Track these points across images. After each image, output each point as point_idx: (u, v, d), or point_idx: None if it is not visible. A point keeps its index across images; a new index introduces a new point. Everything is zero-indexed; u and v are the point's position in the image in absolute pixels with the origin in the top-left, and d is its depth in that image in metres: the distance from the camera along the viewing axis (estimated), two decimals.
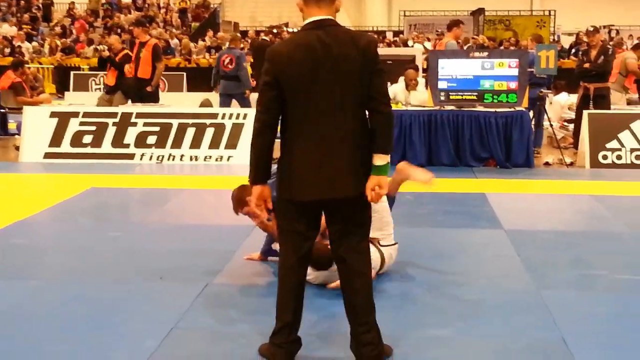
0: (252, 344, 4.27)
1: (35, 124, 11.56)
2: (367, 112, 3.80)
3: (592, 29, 12.24)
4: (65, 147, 11.33)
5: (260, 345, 4.12)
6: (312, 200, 3.80)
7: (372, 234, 5.43)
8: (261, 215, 4.03)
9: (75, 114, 11.55)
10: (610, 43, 14.59)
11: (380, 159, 3.78)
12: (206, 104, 14.54)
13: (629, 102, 13.58)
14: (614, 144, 10.86)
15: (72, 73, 21.76)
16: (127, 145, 11.30)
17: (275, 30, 28.32)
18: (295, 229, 3.89)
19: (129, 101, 12.61)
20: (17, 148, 12.19)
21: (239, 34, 18.57)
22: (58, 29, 28.79)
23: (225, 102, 14.12)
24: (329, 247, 4.53)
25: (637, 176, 10.14)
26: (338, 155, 3.74)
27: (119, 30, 27.39)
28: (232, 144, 11.20)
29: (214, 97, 16.66)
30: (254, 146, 3.84)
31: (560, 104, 13.49)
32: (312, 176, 3.76)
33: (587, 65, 11.93)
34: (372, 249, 5.33)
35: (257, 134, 3.80)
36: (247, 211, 5.44)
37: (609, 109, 11.77)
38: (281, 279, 3.99)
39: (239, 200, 5.46)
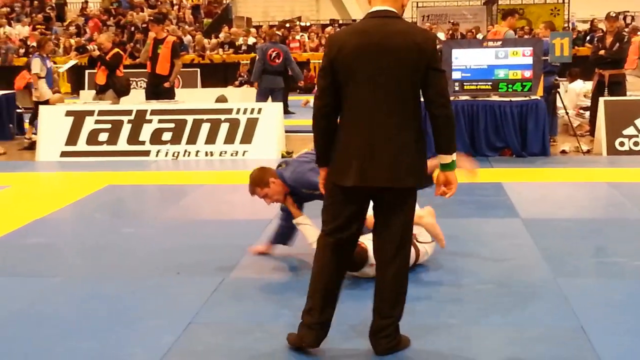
0: (269, 338, 4.28)
1: (51, 123, 11.64)
2: (425, 108, 3.81)
3: (613, 14, 12.10)
4: (81, 145, 11.40)
5: (288, 335, 4.10)
6: (355, 186, 3.79)
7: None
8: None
9: (90, 113, 11.61)
10: (626, 29, 14.47)
11: (444, 159, 3.83)
12: (222, 99, 14.54)
13: None
14: (630, 130, 10.78)
15: (86, 72, 21.82)
16: (143, 142, 11.34)
17: (287, 25, 28.34)
18: (341, 212, 3.88)
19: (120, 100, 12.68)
20: (30, 145, 12.29)
21: (274, 29, 18.49)
22: (72, 29, 28.89)
23: (263, 97, 14.04)
24: (362, 246, 4.60)
25: None
26: (385, 145, 3.73)
27: (132, 29, 27.50)
28: (247, 139, 11.21)
29: (229, 92, 16.71)
30: (314, 132, 3.92)
31: (576, 92, 13.41)
32: (358, 163, 3.75)
33: (602, 52, 11.85)
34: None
35: (315, 121, 3.88)
36: (265, 193, 5.40)
37: (625, 95, 11.69)
38: (317, 259, 3.98)
39: (260, 180, 5.40)
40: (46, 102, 12.56)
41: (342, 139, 3.83)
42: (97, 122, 11.51)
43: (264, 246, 5.91)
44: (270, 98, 14.07)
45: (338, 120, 3.87)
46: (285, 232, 5.77)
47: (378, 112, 3.72)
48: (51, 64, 13.40)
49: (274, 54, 14.29)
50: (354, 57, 3.71)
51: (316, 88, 3.87)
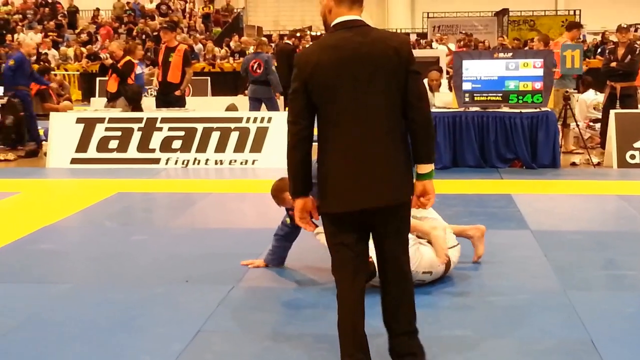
0: (278, 347, 4.28)
1: (61, 130, 11.67)
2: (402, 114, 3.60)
3: (624, 26, 12.07)
4: (92, 152, 11.43)
5: None
6: (349, 211, 3.59)
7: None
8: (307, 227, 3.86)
9: (101, 120, 11.64)
10: (638, 42, 14.42)
11: (423, 168, 3.65)
12: (232, 108, 14.60)
13: None
14: None
15: (97, 79, 21.90)
16: (153, 150, 11.37)
17: (298, 34, 28.37)
18: (343, 241, 3.65)
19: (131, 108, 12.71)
20: (32, 152, 12.36)
21: (264, 39, 18.65)
22: (84, 36, 29.02)
23: (254, 106, 14.24)
24: (370, 259, 4.47)
25: None
26: (373, 161, 3.53)
27: (143, 37, 27.60)
28: (256, 148, 11.22)
29: (239, 101, 16.74)
30: (289, 160, 3.65)
31: (586, 103, 13.38)
32: (348, 186, 3.54)
33: (614, 64, 11.82)
34: (430, 253, 5.32)
35: (291, 147, 3.62)
36: (288, 198, 5.34)
37: (636, 108, 11.66)
38: (339, 297, 3.70)
39: (280, 187, 5.41)
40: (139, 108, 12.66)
41: (327, 163, 3.59)
42: (107, 129, 11.54)
43: (259, 262, 5.85)
44: (264, 107, 14.23)
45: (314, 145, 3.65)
46: (279, 254, 5.78)
47: (364, 128, 3.52)
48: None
49: (255, 65, 14.40)
50: (331, 74, 3.50)
51: (288, 113, 3.65)
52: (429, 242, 5.39)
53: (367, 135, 3.53)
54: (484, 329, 4.55)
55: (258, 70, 14.36)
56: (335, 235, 3.68)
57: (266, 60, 14.45)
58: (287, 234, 5.70)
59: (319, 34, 30.87)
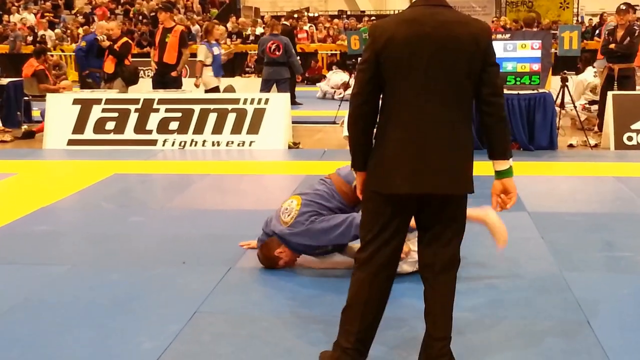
0: (275, 327, 4.29)
1: (58, 111, 11.63)
2: (476, 107, 3.47)
3: (624, 7, 12.02)
4: (88, 133, 11.40)
5: (321, 353, 3.80)
6: (404, 193, 3.39)
7: None
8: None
9: (97, 101, 11.61)
10: (638, 23, 14.37)
11: (501, 165, 3.52)
12: (229, 89, 14.56)
13: None
14: (639, 125, 10.74)
15: None
16: (150, 132, 11.34)
17: (296, 15, 28.29)
18: (382, 226, 3.46)
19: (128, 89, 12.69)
20: (28, 133, 12.35)
21: (277, 20, 18.61)
22: (80, 17, 28.89)
23: (267, 87, 14.20)
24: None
25: None
26: (436, 147, 3.36)
27: (140, 17, 27.49)
28: (254, 129, 11.20)
29: (236, 82, 16.71)
30: (350, 133, 3.51)
31: (583, 85, 13.36)
32: (406, 168, 3.36)
33: (612, 45, 11.80)
34: None
35: (353, 120, 3.48)
36: (283, 263, 5.33)
37: (634, 89, 11.65)
38: (355, 282, 3.55)
39: (271, 260, 5.33)
40: (214, 90, 12.58)
41: (386, 140, 3.41)
42: (104, 110, 11.50)
43: (254, 243, 5.73)
44: (275, 89, 14.21)
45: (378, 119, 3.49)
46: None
47: (431, 110, 3.35)
48: (219, 50, 13.32)
49: (273, 46, 14.38)
50: (405, 49, 3.32)
51: (354, 84, 3.50)
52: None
53: (433, 119, 3.36)
54: (482, 311, 4.56)
55: (277, 52, 14.37)
56: (377, 218, 3.47)
57: (285, 43, 14.48)
58: None
59: (316, 15, 30.80)
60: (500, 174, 3.54)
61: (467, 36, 3.35)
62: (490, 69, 3.40)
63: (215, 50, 13.00)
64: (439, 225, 3.50)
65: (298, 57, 17.84)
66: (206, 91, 12.51)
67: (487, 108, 3.43)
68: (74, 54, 24.05)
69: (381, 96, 3.44)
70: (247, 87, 15.54)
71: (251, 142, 11.13)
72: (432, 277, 3.56)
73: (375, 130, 3.49)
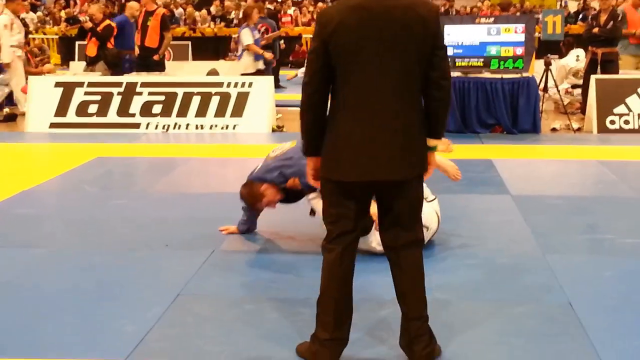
0: (259, 310, 4.28)
1: (40, 94, 11.56)
2: (423, 91, 3.44)
3: None
4: (71, 116, 11.34)
5: (298, 345, 3.77)
6: (357, 181, 3.42)
7: None
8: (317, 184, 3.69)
9: (80, 84, 11.54)
10: (619, 8, 14.41)
11: (431, 142, 3.51)
12: (213, 73, 14.50)
13: None
14: (621, 108, 10.80)
15: (76, 43, 21.65)
16: (133, 115, 11.30)
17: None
18: (341, 212, 3.48)
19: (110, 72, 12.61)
20: (10, 116, 12.26)
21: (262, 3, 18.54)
22: (62, 0, 28.65)
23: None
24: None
25: None
26: (389, 133, 3.35)
27: (122, 0, 27.26)
28: (237, 113, 11.18)
29: (220, 65, 16.64)
30: (302, 121, 3.48)
31: (566, 69, 13.39)
32: (359, 155, 3.36)
33: (596, 30, 11.83)
34: (430, 208, 5.30)
35: (304, 109, 3.45)
36: (266, 202, 5.38)
37: (617, 73, 11.69)
38: (325, 270, 3.56)
39: (254, 196, 5.38)
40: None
41: (337, 127, 3.40)
42: (86, 93, 11.44)
43: (234, 228, 5.82)
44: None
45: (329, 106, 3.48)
46: (251, 221, 5.77)
47: (381, 96, 3.34)
48: (259, 34, 13.18)
49: (262, 29, 14.31)
50: (353, 36, 3.29)
51: (305, 72, 3.45)
52: None
53: (383, 105, 3.35)
54: (464, 293, 4.58)
55: (266, 35, 14.32)
56: (335, 206, 3.51)
57: (274, 26, 14.44)
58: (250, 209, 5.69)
59: None
60: (428, 149, 3.54)
61: (415, 20, 3.32)
62: (439, 52, 3.39)
63: (256, 34, 12.91)
64: (396, 208, 3.52)
65: (282, 41, 17.81)
66: (244, 74, 12.35)
67: (437, 92, 3.42)
68: (56, 37, 23.93)
69: (332, 83, 3.43)
70: (231, 70, 15.46)
71: (235, 126, 11.10)
72: (397, 258, 3.57)
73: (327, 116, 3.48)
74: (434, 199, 5.50)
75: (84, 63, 13.77)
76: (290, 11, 26.13)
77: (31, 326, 4.13)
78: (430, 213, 5.24)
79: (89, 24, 12.69)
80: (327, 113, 3.47)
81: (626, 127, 10.72)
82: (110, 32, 12.88)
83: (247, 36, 12.64)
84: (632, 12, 12.40)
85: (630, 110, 10.77)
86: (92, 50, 12.81)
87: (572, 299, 4.42)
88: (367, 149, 3.37)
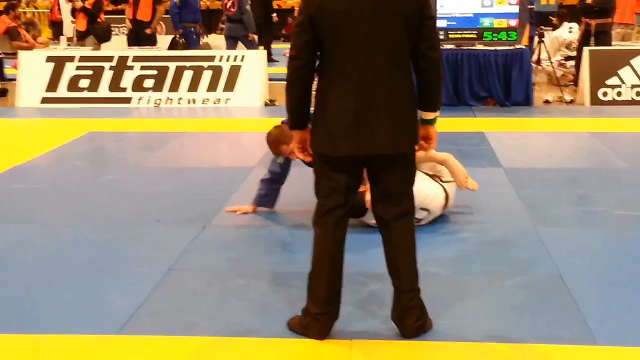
0: (250, 285, 4.29)
1: (31, 68, 11.51)
2: (414, 63, 3.42)
3: None
4: (62, 91, 11.30)
5: (289, 319, 3.77)
6: (347, 155, 3.41)
7: (432, 171, 5.41)
8: (306, 157, 3.66)
9: (71, 59, 11.48)
10: None
11: (428, 115, 3.49)
12: (205, 47, 14.43)
13: None
14: (614, 80, 10.79)
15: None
16: (124, 89, 11.25)
17: None
18: (332, 186, 3.47)
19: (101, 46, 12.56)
20: (1, 91, 12.19)
21: None
22: None
23: (231, 45, 14.08)
24: (365, 196, 4.39)
25: (637, 112, 10.10)
26: (379, 106, 3.33)
27: None
28: (229, 87, 11.14)
29: (212, 39, 16.55)
30: (287, 95, 3.46)
31: (559, 41, 13.35)
32: (349, 129, 3.34)
33: (589, 1, 11.78)
34: (435, 185, 5.30)
35: (290, 83, 3.42)
36: (288, 150, 5.22)
37: (610, 45, 11.66)
38: (315, 244, 3.56)
39: (283, 136, 5.21)
40: None
41: (327, 102, 3.37)
42: (78, 68, 11.40)
43: (248, 207, 5.67)
44: (238, 45, 14.10)
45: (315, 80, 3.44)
46: (272, 194, 5.62)
47: (370, 69, 3.31)
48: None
49: (229, 3, 14.23)
50: (341, 8, 3.27)
51: (291, 46, 3.42)
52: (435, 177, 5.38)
53: (372, 79, 3.33)
54: (456, 266, 4.58)
55: (232, 9, 14.22)
56: (326, 180, 3.50)
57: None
58: (278, 178, 5.56)
59: None
60: (425, 122, 3.52)
61: None
62: (428, 22, 3.37)
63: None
64: (388, 181, 3.51)
65: (275, 14, 17.65)
66: None
67: (426, 64, 3.40)
68: (47, 11, 23.73)
69: (320, 57, 3.41)
70: (223, 44, 15.40)
71: (227, 100, 11.07)
72: (388, 230, 3.57)
73: (315, 90, 3.46)
74: (450, 181, 5.44)
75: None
76: None
77: (22, 300, 4.13)
78: (434, 195, 5.24)
79: (79, 4, 12.61)
80: (315, 87, 3.45)
81: (619, 98, 10.71)
82: (100, 7, 12.80)
83: None
84: None
85: (623, 82, 10.76)
86: (81, 24, 12.74)
87: (563, 271, 4.43)
88: (356, 123, 3.35)
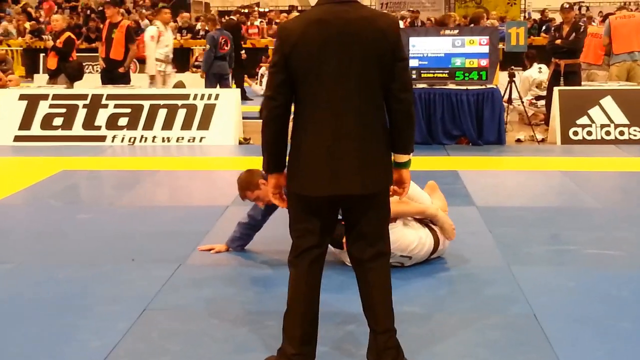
0: (225, 324, 4.28)
1: (4, 106, 11.45)
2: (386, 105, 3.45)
3: (567, 5, 12.27)
4: (36, 129, 11.25)
5: (265, 359, 3.76)
6: (321, 196, 3.42)
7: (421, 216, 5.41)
8: (281, 204, 3.66)
9: (44, 97, 11.45)
10: (582, 20, 14.67)
11: (401, 158, 3.53)
12: (179, 85, 14.47)
13: None
14: (584, 120, 10.93)
15: (41, 55, 21.47)
16: (99, 127, 11.22)
17: (246, 10, 28.19)
18: (307, 227, 3.49)
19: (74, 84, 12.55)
20: None
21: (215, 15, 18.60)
22: (26, 12, 28.41)
23: (213, 83, 14.05)
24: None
25: (606, 152, 10.25)
26: (351, 147, 3.35)
27: (87, 12, 27.13)
28: (204, 125, 11.15)
29: (186, 78, 16.62)
30: (263, 136, 3.47)
31: (529, 81, 13.54)
32: (321, 169, 3.37)
33: (558, 41, 12.00)
34: (422, 231, 5.30)
35: (266, 123, 3.44)
36: (256, 195, 5.28)
37: (580, 85, 11.85)
38: (291, 285, 3.56)
39: (250, 183, 5.27)
40: None
41: (302, 142, 3.40)
42: (51, 106, 11.36)
43: (222, 246, 5.68)
44: (219, 85, 14.16)
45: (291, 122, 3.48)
46: (246, 239, 5.65)
47: (345, 109, 3.34)
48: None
49: (223, 41, 14.33)
50: (315, 50, 3.31)
51: (266, 86, 3.49)
52: (423, 223, 5.37)
53: (345, 119, 3.35)
54: (431, 305, 4.61)
55: (226, 47, 14.33)
56: (301, 220, 3.51)
57: (232, 37, 14.47)
58: (255, 224, 5.57)
59: (267, 10, 30.71)
60: (398, 165, 3.55)
61: (375, 32, 3.34)
62: (400, 64, 3.40)
63: None
64: (363, 222, 3.52)
65: (243, 51, 17.82)
66: None
67: (397, 105, 3.43)
68: (20, 48, 23.68)
69: (294, 98, 3.44)
70: (196, 82, 15.44)
71: (202, 138, 11.08)
72: (363, 271, 3.59)
73: (290, 132, 3.48)
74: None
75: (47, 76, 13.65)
76: (257, 22, 26.13)
77: None
78: (419, 241, 5.22)
79: (50, 43, 12.61)
80: (291, 128, 3.47)
81: (589, 138, 10.85)
82: (72, 46, 12.79)
83: None
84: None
85: (592, 121, 10.91)
86: (52, 63, 12.73)
87: (536, 310, 4.47)
88: (329, 163, 3.38)
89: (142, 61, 12.42)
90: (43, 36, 12.56)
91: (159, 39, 12.49)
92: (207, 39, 14.51)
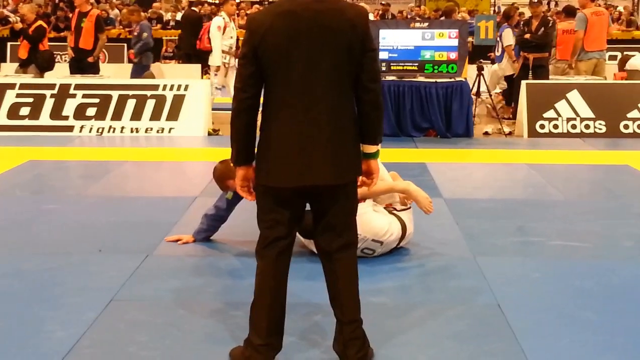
0: (192, 315, 4.28)
1: None
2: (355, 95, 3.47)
3: (536, 0, 12.38)
4: (2, 119, 11.15)
5: (231, 350, 3.80)
6: (288, 187, 3.44)
7: (385, 201, 5.43)
8: (248, 197, 3.65)
9: (11, 86, 11.35)
10: (550, 15, 14.80)
11: (369, 149, 3.55)
12: (149, 75, 14.38)
13: None
14: (551, 113, 11.06)
15: (8, 44, 21.23)
16: (66, 118, 11.14)
17: (217, 2, 28.03)
18: (275, 217, 3.50)
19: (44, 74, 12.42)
20: None
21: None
22: None
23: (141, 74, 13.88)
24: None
25: (572, 145, 10.37)
26: (320, 137, 3.37)
27: (56, 1, 26.85)
28: (173, 116, 11.12)
29: (156, 68, 16.51)
30: (233, 127, 3.46)
31: (498, 74, 13.64)
32: (291, 160, 3.37)
33: (527, 35, 12.12)
34: (389, 217, 5.33)
35: (236, 114, 3.43)
36: (234, 185, 5.27)
37: (548, 78, 11.96)
38: (258, 275, 3.57)
39: (229, 171, 5.20)
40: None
41: (271, 133, 3.40)
42: (18, 95, 11.26)
43: (189, 237, 5.68)
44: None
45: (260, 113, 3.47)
46: (212, 230, 5.66)
47: (312, 100, 3.36)
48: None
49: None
50: (283, 41, 3.31)
51: (236, 78, 3.49)
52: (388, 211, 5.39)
53: (314, 109, 3.36)
54: (397, 296, 4.64)
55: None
56: (269, 211, 3.51)
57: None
58: (221, 216, 5.57)
59: (238, 1, 30.55)
60: (366, 155, 3.57)
61: (344, 23, 3.35)
62: (369, 55, 3.42)
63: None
64: (331, 213, 3.54)
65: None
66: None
67: (365, 96, 3.45)
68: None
69: (264, 89, 3.45)
70: (166, 73, 15.36)
71: (170, 129, 11.05)
72: (330, 262, 3.60)
73: (259, 123, 3.48)
74: (405, 209, 5.48)
75: (16, 64, 13.49)
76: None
77: None
78: (389, 227, 5.25)
79: (19, 25, 12.45)
80: (260, 120, 3.48)
81: (555, 131, 10.98)
82: (43, 34, 12.67)
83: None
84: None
85: (559, 115, 11.03)
86: (23, 52, 12.60)
87: (501, 300, 4.52)
88: (297, 154, 3.38)
89: (205, 53, 11.92)
90: (10, 19, 12.32)
91: (224, 30, 12.17)
92: (145, 27, 14.10)
